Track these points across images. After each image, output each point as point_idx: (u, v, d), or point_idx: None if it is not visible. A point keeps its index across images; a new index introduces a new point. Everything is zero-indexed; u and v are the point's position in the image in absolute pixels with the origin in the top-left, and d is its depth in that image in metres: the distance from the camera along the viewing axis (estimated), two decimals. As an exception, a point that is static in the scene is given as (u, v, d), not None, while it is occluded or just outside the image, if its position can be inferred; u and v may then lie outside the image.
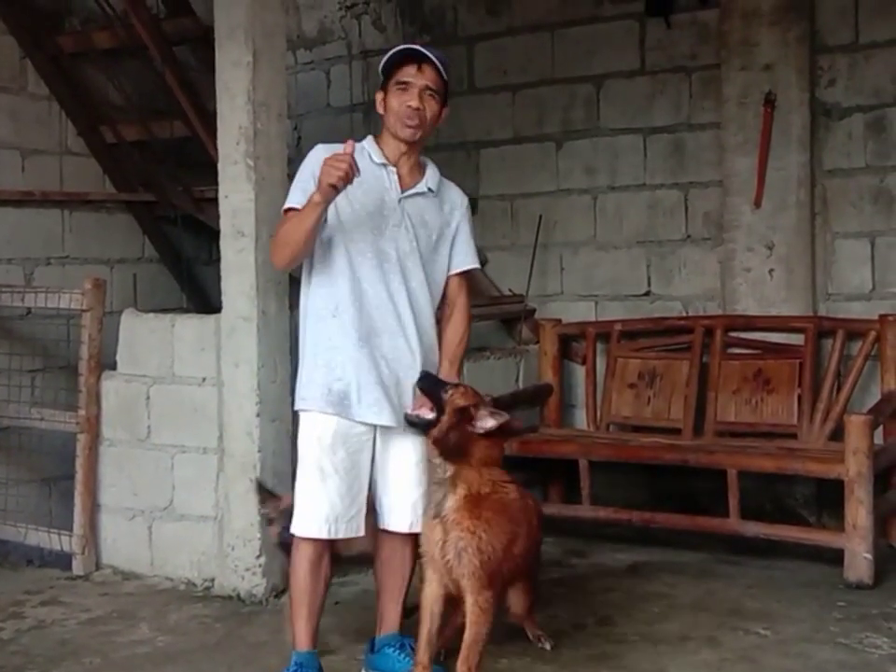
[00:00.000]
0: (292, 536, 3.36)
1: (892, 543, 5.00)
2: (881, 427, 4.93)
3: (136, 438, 4.79)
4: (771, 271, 5.40)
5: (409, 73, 3.31)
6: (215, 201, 4.58)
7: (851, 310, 5.32)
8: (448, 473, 3.24)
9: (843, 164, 5.38)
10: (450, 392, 3.27)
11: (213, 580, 4.53)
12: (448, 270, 3.48)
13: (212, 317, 4.58)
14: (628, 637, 3.90)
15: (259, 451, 4.36)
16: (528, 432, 5.42)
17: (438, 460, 3.26)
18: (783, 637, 3.93)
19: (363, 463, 3.33)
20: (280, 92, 4.52)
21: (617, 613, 4.16)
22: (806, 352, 5.25)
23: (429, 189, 3.41)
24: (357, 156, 3.16)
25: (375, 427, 3.33)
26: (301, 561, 3.33)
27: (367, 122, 6.68)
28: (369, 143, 3.42)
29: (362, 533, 3.37)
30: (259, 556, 4.36)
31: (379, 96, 3.41)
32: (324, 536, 3.30)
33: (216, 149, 4.56)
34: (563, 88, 6.10)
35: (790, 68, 5.33)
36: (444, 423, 3.22)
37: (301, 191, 3.30)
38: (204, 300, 5.86)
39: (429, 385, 3.30)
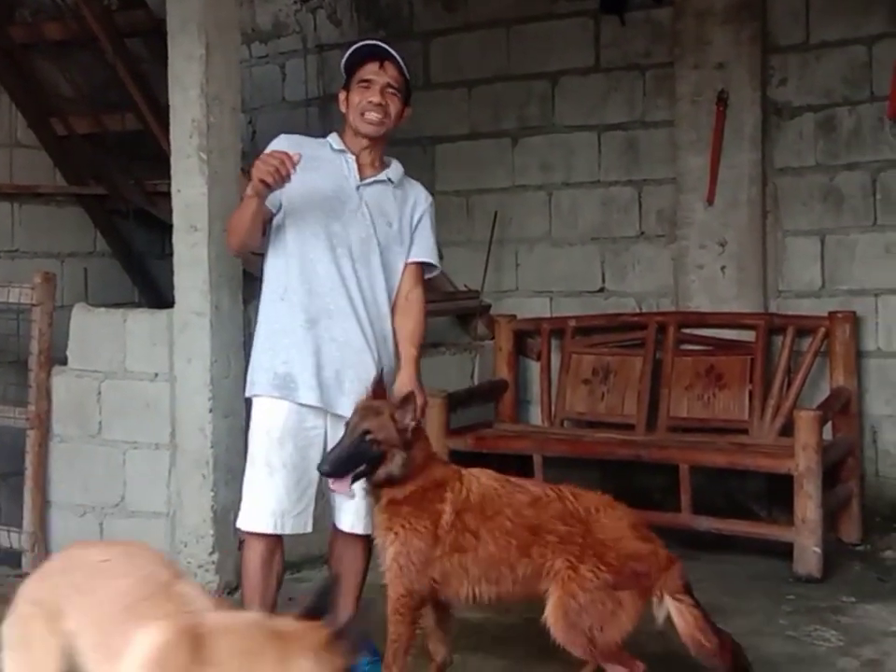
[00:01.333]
0: None
1: (841, 537, 5.07)
2: (830, 423, 5.01)
3: (87, 433, 4.74)
4: (723, 268, 5.46)
5: (371, 70, 3.34)
6: (167, 195, 4.55)
7: (801, 307, 5.39)
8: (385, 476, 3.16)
9: (794, 163, 5.45)
10: (372, 440, 3.09)
11: (165, 577, 4.49)
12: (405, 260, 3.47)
13: (164, 312, 4.54)
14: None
15: (212, 447, 4.34)
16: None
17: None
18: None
19: (312, 458, 3.30)
20: (234, 86, 4.49)
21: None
22: (757, 348, 5.31)
23: (389, 179, 3.41)
24: (316, 147, 3.25)
25: (326, 419, 3.32)
26: (253, 557, 3.31)
27: (322, 117, 6.67)
28: (332, 136, 3.46)
29: (310, 529, 3.34)
30: (212, 553, 4.33)
31: (342, 95, 3.43)
32: (269, 531, 3.28)
33: (168, 143, 4.52)
34: (518, 84, 6.13)
35: (742, 67, 5.39)
36: (398, 458, 3.10)
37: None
38: (157, 294, 5.81)
39: (344, 464, 3.08)
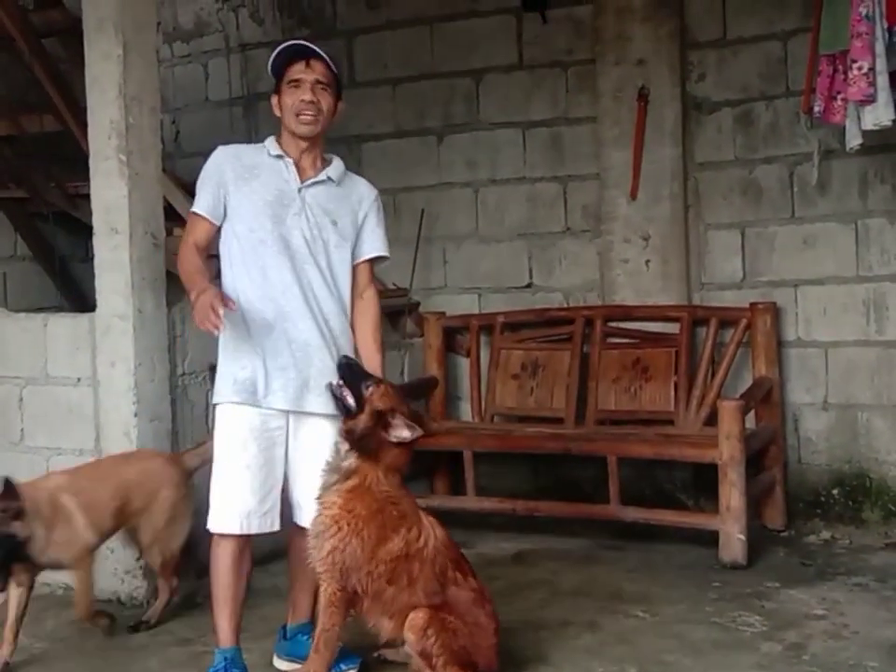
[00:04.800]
0: None
1: (765, 524, 5.17)
2: (753, 412, 5.10)
3: (9, 441, 4.66)
4: (647, 261, 5.53)
5: (298, 70, 3.37)
6: (89, 197, 4.48)
7: (724, 299, 5.48)
8: (348, 463, 3.24)
9: (713, 157, 5.53)
10: (370, 389, 3.25)
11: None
12: (354, 258, 3.51)
13: (86, 316, 4.49)
14: (511, 624, 3.93)
15: (138, 451, 4.29)
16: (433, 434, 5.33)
17: (344, 447, 3.26)
18: (661, 618, 4.03)
19: (277, 458, 3.37)
20: (152, 86, 4.44)
21: (500, 602, 4.16)
22: (682, 340, 5.39)
23: (329, 178, 3.45)
24: (254, 154, 3.41)
25: (288, 419, 3.36)
26: (223, 558, 3.35)
27: (247, 116, 6.63)
28: (269, 141, 3.48)
29: (277, 528, 3.40)
30: (139, 559, 4.28)
31: (274, 99, 3.46)
32: (237, 531, 3.33)
33: (88, 145, 4.46)
34: (443, 82, 6.14)
35: (662, 63, 5.46)
36: (360, 421, 3.22)
37: (207, 195, 3.40)
38: (81, 298, 5.73)
39: (350, 374, 3.28)
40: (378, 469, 3.24)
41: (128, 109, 4.29)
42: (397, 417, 3.22)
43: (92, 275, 4.45)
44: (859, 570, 4.56)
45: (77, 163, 4.97)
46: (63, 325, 4.59)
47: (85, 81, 4.40)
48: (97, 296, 4.38)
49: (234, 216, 3.39)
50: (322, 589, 3.22)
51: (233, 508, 3.33)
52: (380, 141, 6.28)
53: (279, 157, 3.42)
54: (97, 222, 4.37)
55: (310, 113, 3.35)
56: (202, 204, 3.41)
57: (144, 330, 4.32)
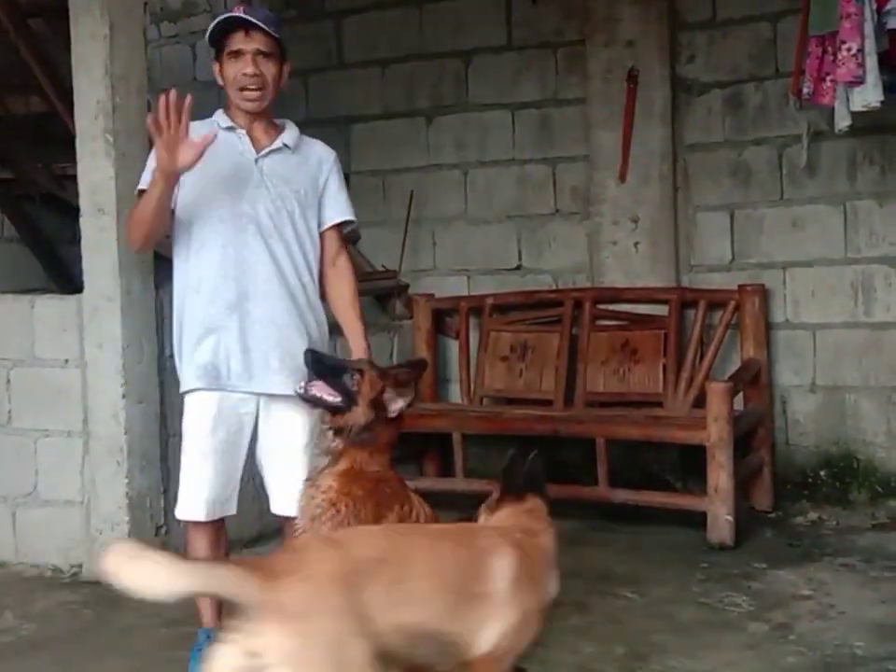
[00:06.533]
0: None
1: (753, 505, 5.19)
2: (741, 394, 5.11)
3: (-3, 423, 4.65)
4: (636, 244, 5.52)
5: (238, 40, 3.24)
6: (76, 178, 4.45)
7: (712, 281, 5.48)
8: (335, 445, 3.16)
9: (703, 139, 5.53)
10: (356, 380, 3.10)
11: (80, 565, 4.44)
12: (320, 225, 3.40)
13: (73, 298, 4.47)
14: (500, 605, 3.95)
15: (126, 433, 4.29)
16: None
17: (330, 434, 3.17)
18: (649, 599, 4.05)
19: (242, 442, 3.31)
20: (139, 66, 4.42)
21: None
22: (671, 322, 5.39)
23: (285, 145, 3.34)
24: (205, 129, 3.18)
25: (258, 402, 3.30)
26: (199, 543, 3.32)
27: (235, 97, 6.58)
28: (218, 114, 3.38)
29: (233, 512, 3.35)
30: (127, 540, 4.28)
31: (215, 68, 3.34)
32: (204, 518, 3.28)
33: (75, 125, 4.44)
34: (432, 63, 6.12)
35: (651, 45, 5.44)
36: (359, 416, 3.06)
37: (151, 171, 3.24)
38: (69, 280, 5.70)
39: (324, 368, 3.11)
40: (369, 450, 3.22)
41: (115, 90, 4.27)
42: (388, 392, 3.12)
43: (80, 257, 4.43)
44: (845, 551, 4.59)
45: (64, 144, 4.94)
46: (51, 306, 4.58)
47: (71, 61, 4.37)
48: (84, 277, 4.36)
49: (190, 194, 3.24)
50: None
51: (201, 495, 3.27)
52: (369, 122, 6.26)
53: (230, 129, 3.30)
54: (84, 203, 4.34)
55: (253, 87, 3.24)
56: (148, 179, 3.21)
57: (131, 312, 4.31)
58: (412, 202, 6.07)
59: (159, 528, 4.44)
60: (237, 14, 3.26)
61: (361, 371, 3.12)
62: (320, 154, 3.43)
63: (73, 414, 4.44)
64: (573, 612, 3.93)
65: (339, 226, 3.45)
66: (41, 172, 5.58)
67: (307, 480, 3.21)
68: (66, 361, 4.47)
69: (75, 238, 5.42)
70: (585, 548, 4.73)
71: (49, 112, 5.35)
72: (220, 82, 3.34)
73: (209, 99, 6.56)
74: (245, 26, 3.23)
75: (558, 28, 5.81)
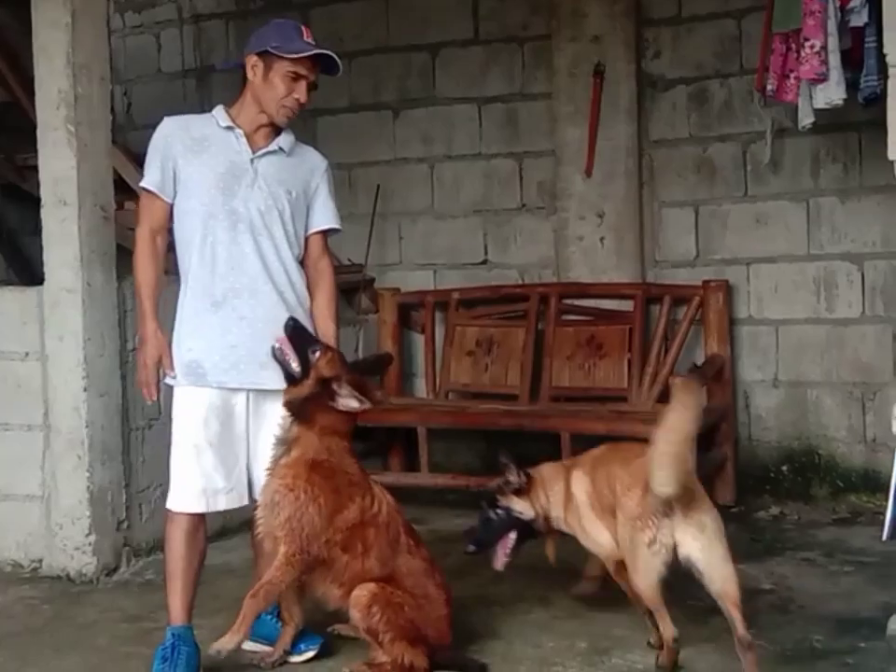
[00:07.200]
0: None
1: (716, 500, 5.19)
2: (705, 389, 5.13)
3: (-44, 416, 4.59)
4: (602, 239, 5.54)
5: (306, 66, 3.31)
6: (37, 168, 4.41)
7: (677, 276, 5.51)
8: (291, 433, 3.23)
9: (668, 135, 5.55)
10: (317, 354, 3.23)
11: (41, 560, 4.40)
12: (307, 230, 3.48)
13: (34, 290, 4.42)
14: (464, 600, 3.94)
15: (87, 426, 4.26)
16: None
17: (286, 417, 3.24)
18: (611, 593, 4.05)
19: (238, 434, 3.34)
20: (102, 55, 4.38)
21: (453, 578, 4.18)
22: (636, 318, 5.42)
23: (280, 149, 3.40)
24: (203, 125, 3.34)
25: (248, 396, 3.33)
26: (176, 532, 3.32)
27: (200, 89, 6.55)
28: (218, 111, 3.42)
29: (245, 502, 3.38)
30: (88, 535, 4.26)
31: (254, 60, 3.33)
32: (201, 510, 3.31)
33: (36, 115, 4.38)
34: (399, 56, 6.10)
35: (617, 40, 5.46)
36: (305, 388, 3.21)
37: (155, 169, 3.33)
38: (30, 272, 5.64)
39: (296, 337, 3.24)
40: (320, 436, 3.21)
41: (76, 79, 4.23)
42: (343, 386, 3.20)
43: (41, 248, 4.38)
44: (806, 545, 4.63)
45: (26, 134, 4.88)
46: (11, 298, 4.53)
47: (33, 50, 4.32)
48: (45, 269, 4.32)
49: (184, 190, 3.33)
50: (282, 549, 3.16)
51: (197, 487, 3.29)
52: (335, 115, 6.23)
53: (229, 128, 3.36)
54: (45, 194, 4.31)
55: (295, 110, 3.35)
56: (151, 179, 3.34)
57: (93, 304, 4.27)
58: (378, 195, 6.05)
59: (120, 523, 4.40)
60: (328, 53, 3.33)
61: (326, 349, 3.24)
62: (313, 161, 3.53)
63: (33, 408, 4.39)
64: (535, 606, 3.94)
65: (324, 233, 3.54)
66: (2, 162, 5.52)
67: (266, 469, 3.22)
68: (27, 354, 4.43)
69: (37, 229, 5.38)
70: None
71: (10, 102, 5.28)
72: (251, 76, 3.34)
73: (173, 90, 6.61)
74: (319, 58, 3.32)
75: (525, 22, 5.81)
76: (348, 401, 3.21)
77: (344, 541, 3.20)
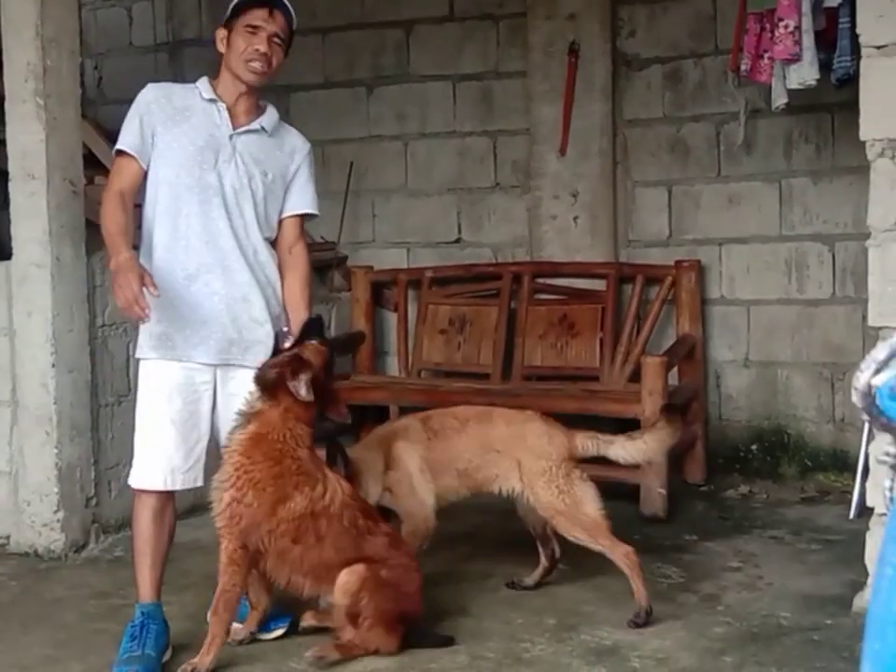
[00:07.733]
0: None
1: (686, 479, 5.25)
2: (676, 369, 5.16)
3: (-78, 392, 4.54)
4: (576, 218, 5.54)
5: (260, 16, 3.27)
6: (5, 142, 4.35)
7: (650, 256, 5.52)
8: (254, 408, 3.18)
9: (642, 114, 5.55)
10: (312, 342, 3.25)
11: (8, 537, 4.37)
12: (282, 212, 3.43)
13: (2, 264, 4.38)
14: (434, 577, 3.95)
15: (55, 402, 4.22)
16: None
17: (253, 390, 3.19)
18: (580, 570, 4.07)
19: (202, 412, 3.30)
20: (72, 28, 4.33)
21: (424, 555, 4.22)
22: (608, 297, 5.42)
23: (262, 128, 3.37)
24: (185, 95, 3.29)
25: (215, 372, 3.29)
26: (144, 510, 3.28)
27: (172, 63, 6.48)
28: (202, 82, 3.38)
29: (201, 483, 3.32)
30: (56, 511, 4.23)
31: (221, 33, 3.33)
32: (161, 488, 3.26)
33: (4, 87, 4.33)
34: (373, 32, 6.06)
35: (592, 18, 5.44)
36: (278, 358, 3.21)
37: (134, 133, 3.26)
38: (0, 247, 5.57)
39: (310, 328, 3.31)
40: (283, 417, 3.16)
41: (45, 51, 4.18)
42: (306, 374, 3.14)
43: (9, 222, 4.33)
44: (774, 524, 4.67)
45: (-7, 107, 4.83)
46: (-22, 274, 4.47)
47: (0, 22, 4.26)
48: (13, 244, 4.28)
49: (160, 159, 3.27)
50: (222, 547, 3.12)
51: (157, 463, 3.25)
52: (309, 91, 6.19)
53: (212, 101, 3.31)
54: (13, 168, 4.26)
55: (260, 64, 3.27)
56: (128, 141, 3.25)
57: (62, 280, 4.24)
58: (351, 173, 6.03)
59: (89, 500, 4.38)
60: None
61: (323, 343, 3.27)
62: (295, 143, 3.48)
63: (1, 384, 4.36)
64: (504, 583, 3.95)
65: (301, 217, 3.49)
66: (-30, 136, 5.43)
67: (223, 447, 3.20)
68: (-6, 329, 4.39)
69: (5, 203, 5.32)
70: (519, 520, 4.74)
71: (-23, 74, 5.20)
72: (221, 49, 3.33)
73: (145, 64, 6.54)
74: (271, 6, 3.27)
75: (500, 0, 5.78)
76: (300, 388, 3.13)
77: (293, 532, 3.15)
